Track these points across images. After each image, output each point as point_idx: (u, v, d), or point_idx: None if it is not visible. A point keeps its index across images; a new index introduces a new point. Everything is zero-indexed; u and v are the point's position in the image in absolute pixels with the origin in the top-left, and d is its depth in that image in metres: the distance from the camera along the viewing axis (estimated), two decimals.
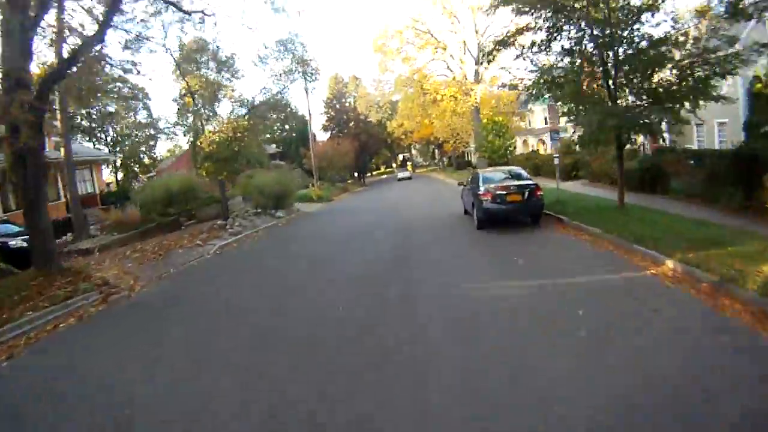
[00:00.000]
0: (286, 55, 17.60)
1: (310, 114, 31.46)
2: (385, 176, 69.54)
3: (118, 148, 44.19)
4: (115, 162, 44.52)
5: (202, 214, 20.07)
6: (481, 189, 10.46)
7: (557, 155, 13.22)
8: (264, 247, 13.40)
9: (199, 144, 15.59)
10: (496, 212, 10.24)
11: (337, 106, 54.81)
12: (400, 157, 77.04)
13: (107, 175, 46.06)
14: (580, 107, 10.62)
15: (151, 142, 48.20)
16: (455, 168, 50.04)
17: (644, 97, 10.30)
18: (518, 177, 11.02)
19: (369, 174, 73.77)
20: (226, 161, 15.86)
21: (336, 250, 11.19)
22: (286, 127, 60.16)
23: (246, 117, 16.77)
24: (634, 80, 10.29)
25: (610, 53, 10.13)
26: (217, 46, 16.60)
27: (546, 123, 43.89)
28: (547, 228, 10.39)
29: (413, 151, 73.49)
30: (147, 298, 9.07)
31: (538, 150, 36.61)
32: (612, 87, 10.34)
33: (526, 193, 10.16)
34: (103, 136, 43.98)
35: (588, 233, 9.14)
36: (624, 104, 10.64)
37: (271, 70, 17.31)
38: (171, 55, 16.40)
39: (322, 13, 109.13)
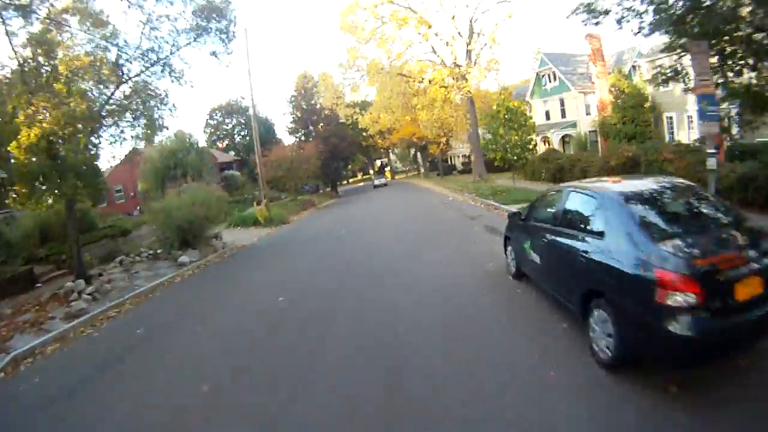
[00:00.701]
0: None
1: (253, 101, 23.62)
2: (362, 183, 63.51)
3: None
4: None
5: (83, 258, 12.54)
6: (657, 262, 3.04)
7: (713, 150, 5.55)
8: (90, 371, 5.79)
9: (10, 152, 8.25)
10: (713, 341, 2.92)
11: (305, 106, 47.43)
12: (378, 162, 70.13)
13: None
14: None
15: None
16: (442, 174, 43.31)
17: None
18: (707, 213, 3.82)
19: (345, 182, 66.85)
20: (44, 178, 8.42)
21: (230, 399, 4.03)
22: (247, 132, 52.80)
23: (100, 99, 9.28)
24: None
25: None
26: None
27: (547, 119, 35.90)
28: None
29: (392, 156, 66.40)
30: None
31: (552, 147, 30.14)
32: None
33: None
34: None
35: None
36: None
37: (149, 16, 10.07)
38: None
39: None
